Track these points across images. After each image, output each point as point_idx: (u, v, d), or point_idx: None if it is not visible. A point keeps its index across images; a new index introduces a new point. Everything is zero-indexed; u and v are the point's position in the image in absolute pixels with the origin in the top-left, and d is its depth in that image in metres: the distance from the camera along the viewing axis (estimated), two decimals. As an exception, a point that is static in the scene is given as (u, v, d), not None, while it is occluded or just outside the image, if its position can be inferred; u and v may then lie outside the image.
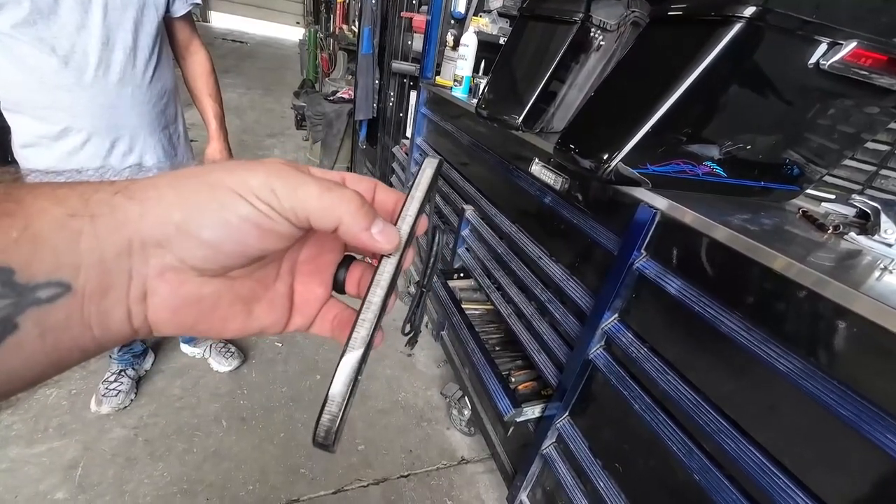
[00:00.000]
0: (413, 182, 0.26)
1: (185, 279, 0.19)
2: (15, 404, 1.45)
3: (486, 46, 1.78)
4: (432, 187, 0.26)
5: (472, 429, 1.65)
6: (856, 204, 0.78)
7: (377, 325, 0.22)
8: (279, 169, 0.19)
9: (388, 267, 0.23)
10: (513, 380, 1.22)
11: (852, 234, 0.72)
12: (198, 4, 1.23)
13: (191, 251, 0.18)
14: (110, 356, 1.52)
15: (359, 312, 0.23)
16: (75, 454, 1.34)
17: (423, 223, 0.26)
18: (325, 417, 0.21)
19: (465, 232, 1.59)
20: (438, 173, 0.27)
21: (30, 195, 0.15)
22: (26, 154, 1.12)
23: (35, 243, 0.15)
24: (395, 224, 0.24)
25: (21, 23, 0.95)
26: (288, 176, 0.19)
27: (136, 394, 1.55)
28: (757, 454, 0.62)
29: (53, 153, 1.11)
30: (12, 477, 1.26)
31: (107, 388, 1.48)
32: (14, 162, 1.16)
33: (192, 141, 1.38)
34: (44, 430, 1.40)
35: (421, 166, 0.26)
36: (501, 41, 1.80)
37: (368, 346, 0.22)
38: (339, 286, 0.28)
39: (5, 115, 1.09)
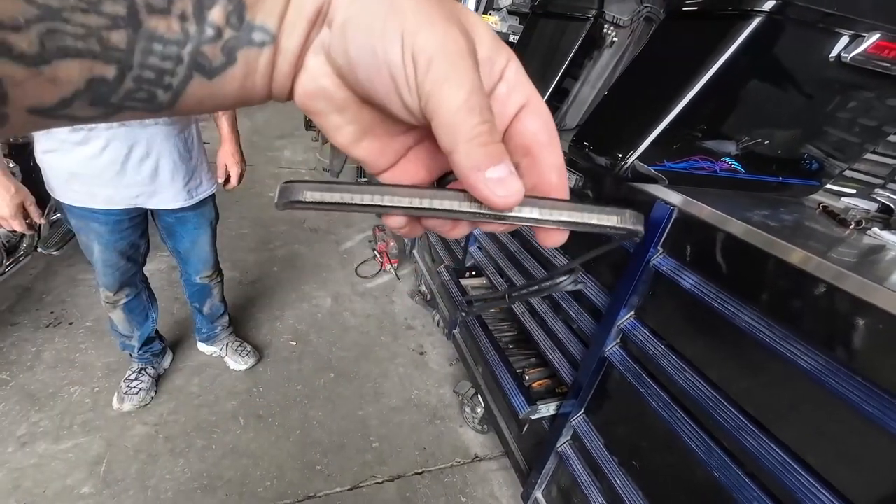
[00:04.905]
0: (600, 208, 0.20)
1: (327, 72, 0.18)
2: (42, 401, 1.50)
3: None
4: (600, 229, 0.20)
5: (486, 426, 1.65)
6: (878, 198, 0.77)
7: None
8: (455, 47, 0.16)
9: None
10: (527, 377, 1.22)
11: (875, 229, 0.71)
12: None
13: (336, 49, 0.17)
14: (131, 355, 1.55)
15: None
16: (99, 450, 1.38)
17: (556, 237, 0.21)
18: (299, 188, 0.19)
19: (478, 231, 1.60)
20: (622, 232, 0.20)
21: None
22: (48, 159, 1.15)
23: None
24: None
25: None
26: (453, 61, 0.16)
27: (156, 391, 1.59)
28: (779, 451, 0.62)
29: (74, 158, 1.13)
30: (41, 472, 1.30)
31: (128, 386, 1.52)
32: (36, 167, 1.19)
33: (205, 143, 1.40)
34: (69, 426, 1.44)
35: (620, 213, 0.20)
36: (511, 39, 1.79)
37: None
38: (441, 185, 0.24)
39: (28, 121, 1.12)
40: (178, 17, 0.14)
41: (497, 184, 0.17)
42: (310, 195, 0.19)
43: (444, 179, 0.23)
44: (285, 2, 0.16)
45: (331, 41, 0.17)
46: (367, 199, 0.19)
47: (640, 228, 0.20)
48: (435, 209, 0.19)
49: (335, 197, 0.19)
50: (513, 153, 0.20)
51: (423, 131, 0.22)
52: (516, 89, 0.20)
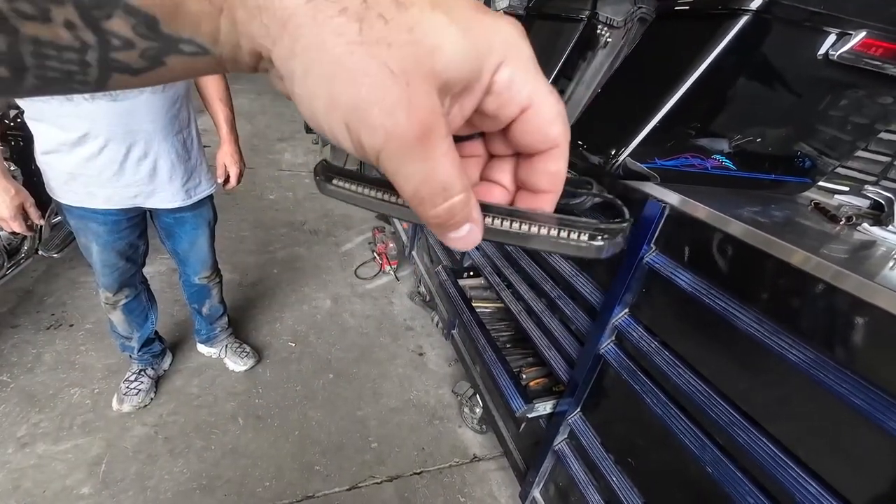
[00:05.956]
0: (572, 211, 0.20)
1: None
2: (42, 403, 1.51)
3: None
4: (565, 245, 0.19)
5: (484, 427, 1.66)
6: (869, 195, 0.77)
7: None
8: (400, 140, 0.15)
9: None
10: (524, 376, 1.22)
11: (865, 224, 0.71)
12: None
13: (298, 99, 0.16)
14: (130, 356, 1.56)
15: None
16: (99, 451, 1.39)
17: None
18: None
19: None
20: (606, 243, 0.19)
21: None
22: (47, 160, 1.16)
23: (178, 6, 0.14)
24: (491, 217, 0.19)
25: None
26: (399, 155, 0.15)
27: (155, 392, 1.59)
28: (770, 446, 0.62)
29: (73, 158, 1.14)
30: (41, 472, 1.30)
31: (128, 387, 1.53)
32: (38, 170, 1.20)
33: (205, 147, 1.42)
34: (69, 427, 1.44)
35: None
36: (508, 40, 1.81)
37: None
38: None
39: (28, 123, 1.13)
40: (65, 26, 0.13)
41: (456, 241, 0.18)
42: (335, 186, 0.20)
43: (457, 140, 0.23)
44: (212, 26, 0.15)
45: (287, 89, 0.16)
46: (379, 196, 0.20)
47: (598, 255, 0.19)
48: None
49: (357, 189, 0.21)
50: (510, 148, 0.20)
51: None
52: (509, 101, 0.18)
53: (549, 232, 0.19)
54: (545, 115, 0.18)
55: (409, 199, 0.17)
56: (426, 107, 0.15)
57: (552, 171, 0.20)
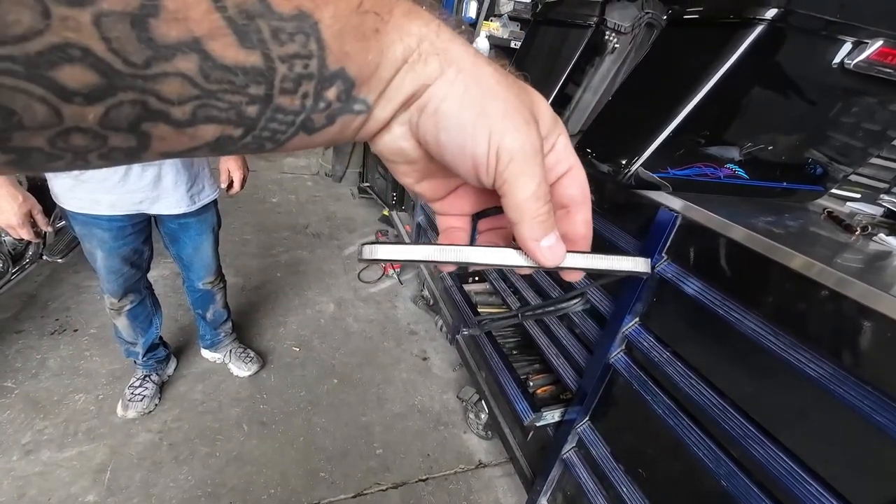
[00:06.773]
0: (616, 257, 0.25)
1: (407, 137, 0.22)
2: (46, 409, 1.50)
3: (498, 50, 1.79)
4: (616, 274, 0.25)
5: (490, 432, 1.65)
6: (884, 203, 0.77)
7: (455, 263, 0.24)
8: (531, 148, 0.20)
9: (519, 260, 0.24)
10: (531, 384, 1.21)
11: (881, 234, 0.70)
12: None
13: (425, 129, 0.21)
14: (135, 362, 1.56)
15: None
16: (104, 458, 1.38)
17: (577, 275, 0.26)
18: (379, 246, 0.23)
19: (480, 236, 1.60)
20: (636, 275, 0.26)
21: (393, 19, 0.18)
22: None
23: (377, 69, 0.18)
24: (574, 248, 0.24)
25: None
26: (528, 159, 0.20)
27: (160, 399, 1.59)
28: (787, 460, 0.61)
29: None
30: (45, 480, 1.30)
31: (132, 394, 1.52)
32: (42, 175, 1.20)
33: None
34: (73, 434, 1.44)
35: (634, 259, 0.25)
36: (513, 45, 1.80)
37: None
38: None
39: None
40: (301, 96, 0.17)
41: (548, 250, 0.22)
42: (384, 252, 0.23)
43: (486, 213, 0.29)
44: (386, 82, 0.19)
45: (420, 121, 0.20)
46: (441, 256, 0.24)
47: (648, 270, 0.25)
48: (492, 264, 0.24)
49: (412, 254, 0.24)
50: (554, 206, 0.25)
51: None
52: (562, 159, 0.24)
53: (611, 264, 0.24)
54: (582, 175, 0.25)
55: (528, 196, 0.21)
56: (540, 134, 0.21)
57: (586, 218, 0.26)
